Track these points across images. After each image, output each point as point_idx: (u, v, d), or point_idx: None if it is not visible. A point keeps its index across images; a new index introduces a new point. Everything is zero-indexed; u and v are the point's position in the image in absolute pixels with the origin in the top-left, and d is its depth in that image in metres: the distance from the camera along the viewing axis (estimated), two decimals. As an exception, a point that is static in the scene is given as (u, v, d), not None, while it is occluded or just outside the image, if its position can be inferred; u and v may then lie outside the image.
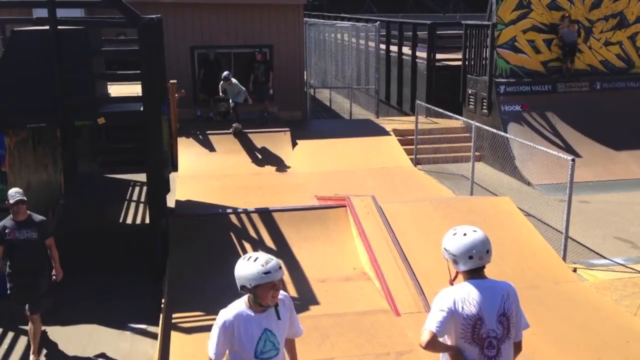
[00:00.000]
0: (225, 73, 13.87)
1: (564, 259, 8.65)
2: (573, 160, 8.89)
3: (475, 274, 3.59)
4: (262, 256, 3.47)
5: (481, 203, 9.99)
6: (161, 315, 6.97)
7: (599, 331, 6.81)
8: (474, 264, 3.54)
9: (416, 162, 14.07)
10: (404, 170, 13.45)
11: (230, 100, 13.96)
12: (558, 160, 10.21)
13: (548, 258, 8.47)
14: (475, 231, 3.60)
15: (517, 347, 3.68)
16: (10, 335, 7.03)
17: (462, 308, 3.49)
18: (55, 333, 7.05)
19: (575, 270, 8.48)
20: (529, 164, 13.16)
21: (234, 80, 13.87)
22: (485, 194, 11.82)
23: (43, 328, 6.74)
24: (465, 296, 3.51)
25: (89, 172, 14.04)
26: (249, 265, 3.44)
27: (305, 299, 7.59)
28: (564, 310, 7.25)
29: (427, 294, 7.48)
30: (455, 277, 3.70)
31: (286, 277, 8.03)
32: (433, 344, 3.48)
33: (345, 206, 9.37)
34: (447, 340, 3.59)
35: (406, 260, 8.06)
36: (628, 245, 9.61)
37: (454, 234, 3.61)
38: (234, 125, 13.95)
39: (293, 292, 7.78)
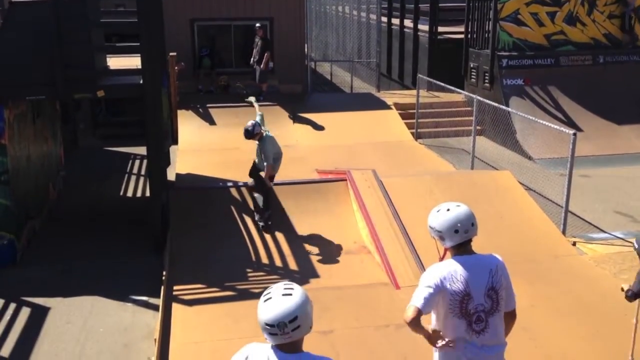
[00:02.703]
0: (250, 125, 8.53)
1: (564, 232, 8.68)
2: (574, 134, 8.86)
3: (462, 250, 3.61)
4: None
5: (482, 177, 9.98)
6: (162, 288, 7.01)
7: (597, 305, 6.85)
8: (460, 238, 3.57)
9: (417, 136, 14.03)
10: (404, 144, 13.41)
11: (255, 161, 8.82)
12: (559, 134, 10.18)
13: (548, 232, 8.49)
14: (458, 206, 3.63)
15: (512, 316, 3.72)
16: (13, 306, 7.08)
17: (450, 284, 3.52)
18: (57, 305, 7.10)
19: (574, 244, 8.51)
20: (530, 138, 13.13)
21: (266, 131, 8.62)
22: (486, 168, 11.81)
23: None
24: (453, 272, 3.54)
25: (89, 145, 14.03)
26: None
27: (306, 272, 7.63)
28: (563, 283, 7.29)
29: (426, 267, 7.49)
30: (444, 254, 3.71)
31: (286, 250, 8.07)
32: (415, 323, 3.52)
33: (345, 180, 9.37)
34: (434, 314, 3.65)
35: (406, 234, 8.08)
36: (628, 219, 9.62)
37: (438, 211, 3.64)
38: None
39: (293, 265, 7.82)
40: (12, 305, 7.10)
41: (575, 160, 8.85)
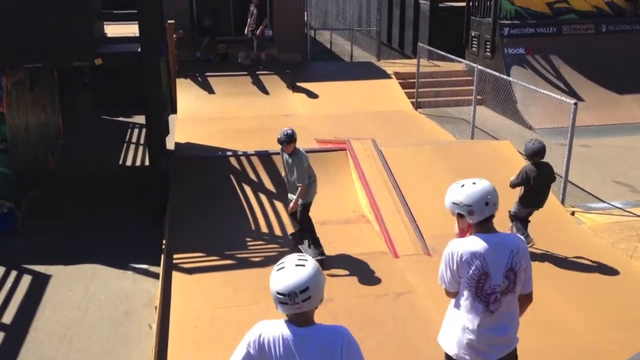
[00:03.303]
0: (289, 129, 6.92)
1: (563, 202, 8.69)
2: (575, 104, 8.81)
3: (485, 227, 3.49)
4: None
5: (481, 147, 9.97)
6: (162, 256, 7.05)
7: (595, 274, 6.90)
8: (489, 211, 3.44)
9: (417, 106, 13.96)
10: (404, 113, 13.36)
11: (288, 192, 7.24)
12: (560, 104, 10.12)
13: (547, 202, 8.48)
14: (481, 180, 3.52)
15: (528, 298, 3.64)
16: (14, 274, 7.13)
17: (468, 262, 3.44)
18: (58, 273, 7.15)
19: (573, 213, 8.53)
20: (531, 108, 13.06)
21: (299, 148, 6.91)
22: (486, 137, 11.77)
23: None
24: (473, 250, 3.44)
25: (88, 114, 13.97)
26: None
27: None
28: (561, 253, 7.32)
29: (425, 236, 7.55)
30: (467, 231, 3.55)
31: (286, 220, 8.08)
32: (449, 295, 3.66)
33: (345, 149, 9.36)
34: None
35: (405, 204, 8.10)
36: (627, 189, 9.63)
37: (462, 186, 3.49)
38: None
39: (293, 234, 7.85)
40: (13, 273, 7.14)
41: (575, 130, 8.83)
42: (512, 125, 12.91)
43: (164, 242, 7.40)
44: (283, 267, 2.72)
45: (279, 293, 2.65)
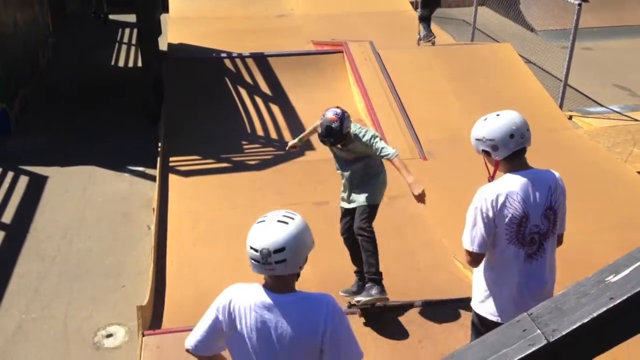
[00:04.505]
0: (334, 118, 4.35)
1: (561, 106, 8.63)
2: (579, 4, 8.55)
3: (517, 163, 3.10)
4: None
5: (481, 50, 9.76)
6: (158, 159, 7.05)
7: (588, 178, 6.95)
8: (515, 144, 3.05)
9: (416, 6, 13.52)
10: (404, 14, 12.95)
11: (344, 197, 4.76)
12: (564, 4, 9.82)
13: (545, 105, 8.43)
14: (506, 112, 3.14)
15: (559, 241, 3.28)
16: (10, 174, 7.15)
17: (505, 206, 3.03)
18: (55, 174, 7.17)
19: (570, 117, 8.50)
20: (534, 8, 12.70)
21: (354, 126, 4.49)
22: (486, 40, 11.51)
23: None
24: (509, 192, 3.04)
25: (77, 13, 13.53)
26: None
27: (302, 144, 7.64)
28: (556, 157, 7.34)
29: (422, 141, 7.53)
30: (495, 170, 3.16)
31: (282, 124, 8.04)
32: (474, 262, 3.16)
33: (342, 52, 9.16)
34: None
35: (402, 108, 8.02)
36: (626, 93, 9.55)
37: (485, 119, 3.13)
38: None
39: (289, 138, 7.82)
40: (10, 174, 7.16)
41: (578, 32, 8.62)
42: (514, 27, 12.60)
43: (159, 144, 7.39)
44: (263, 221, 2.36)
45: (252, 248, 2.32)
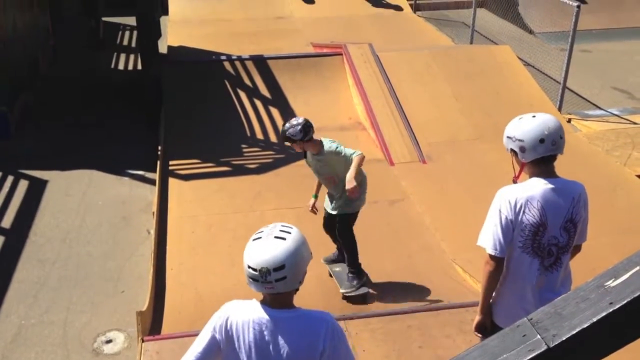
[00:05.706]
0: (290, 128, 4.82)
1: (560, 109, 8.64)
2: (578, 6, 8.56)
3: (543, 169, 3.00)
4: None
5: (480, 52, 9.76)
6: (158, 163, 7.06)
7: (587, 182, 6.94)
8: (544, 150, 2.94)
9: (415, 8, 13.55)
10: (402, 16, 12.98)
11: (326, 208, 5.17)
12: (563, 6, 9.83)
13: (543, 108, 8.37)
14: (543, 114, 3.06)
15: (577, 249, 3.22)
16: (10, 178, 7.15)
17: (524, 212, 2.95)
18: (55, 178, 7.17)
19: (569, 120, 8.50)
20: (533, 11, 12.71)
21: (326, 142, 4.84)
22: (485, 42, 11.52)
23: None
24: (529, 198, 2.95)
25: (76, 15, 13.53)
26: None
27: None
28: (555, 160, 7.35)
29: (421, 144, 7.54)
30: (520, 172, 3.06)
31: (281, 126, 8.03)
32: (493, 276, 3.01)
33: (341, 54, 9.16)
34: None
35: (402, 110, 8.03)
36: (625, 96, 9.56)
37: (520, 119, 3.04)
38: None
39: (288, 140, 7.82)
40: (10, 178, 7.16)
41: (577, 35, 8.63)
42: (512, 29, 12.61)
43: (159, 148, 7.39)
44: (259, 238, 2.29)
45: (250, 267, 2.25)
